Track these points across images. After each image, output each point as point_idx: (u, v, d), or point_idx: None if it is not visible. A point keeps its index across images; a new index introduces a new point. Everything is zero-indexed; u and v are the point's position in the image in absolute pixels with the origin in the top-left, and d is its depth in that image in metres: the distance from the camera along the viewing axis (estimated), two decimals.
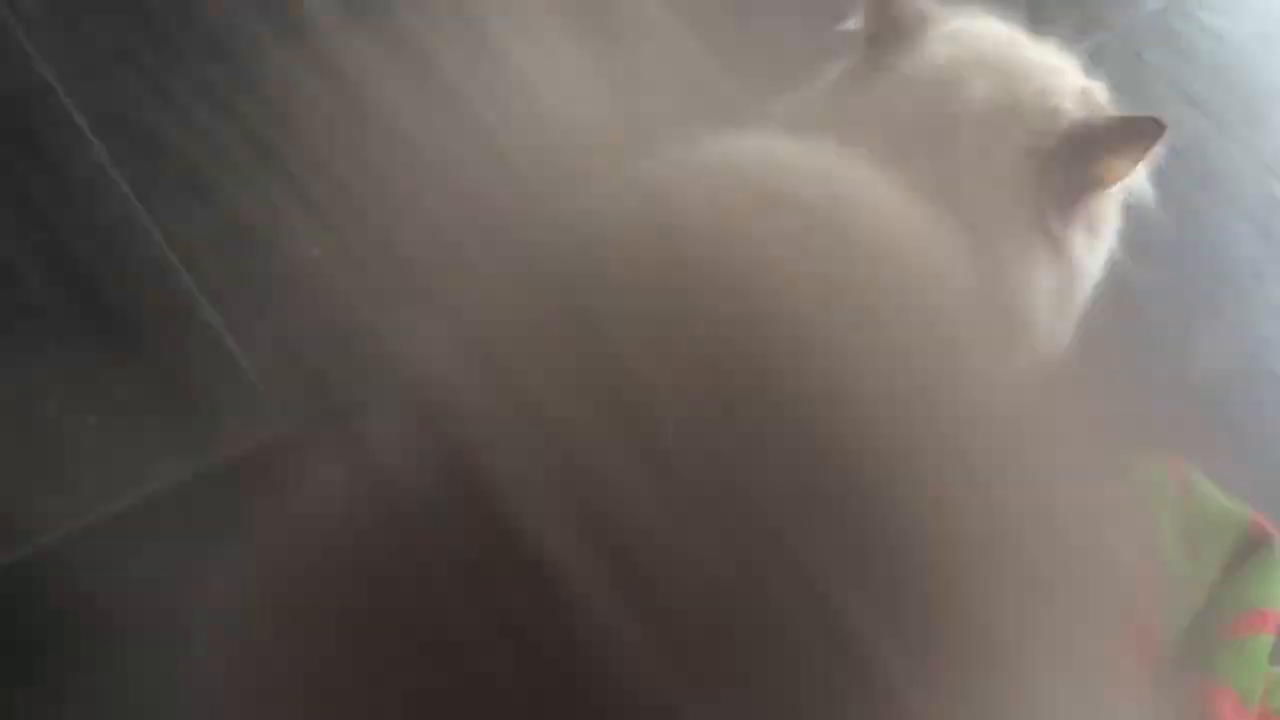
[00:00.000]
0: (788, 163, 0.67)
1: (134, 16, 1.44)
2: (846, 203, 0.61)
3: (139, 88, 1.37)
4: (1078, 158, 0.79)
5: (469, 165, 0.45)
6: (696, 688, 0.38)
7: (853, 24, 0.86)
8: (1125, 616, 0.51)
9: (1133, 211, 0.94)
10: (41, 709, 0.98)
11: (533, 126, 0.47)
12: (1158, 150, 0.83)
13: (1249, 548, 0.50)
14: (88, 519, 1.06)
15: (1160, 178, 0.91)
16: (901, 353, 0.46)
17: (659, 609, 0.38)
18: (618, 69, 0.45)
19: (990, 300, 0.73)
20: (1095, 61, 0.98)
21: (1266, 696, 0.46)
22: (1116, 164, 0.80)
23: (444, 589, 0.42)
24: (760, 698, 0.38)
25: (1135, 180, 0.87)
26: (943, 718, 0.39)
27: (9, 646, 0.99)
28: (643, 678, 0.37)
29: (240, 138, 1.36)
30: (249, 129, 1.37)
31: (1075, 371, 0.89)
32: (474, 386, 0.47)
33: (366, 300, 1.18)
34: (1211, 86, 1.67)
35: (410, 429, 0.49)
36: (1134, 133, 0.80)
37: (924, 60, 0.82)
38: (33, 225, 1.24)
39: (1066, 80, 0.84)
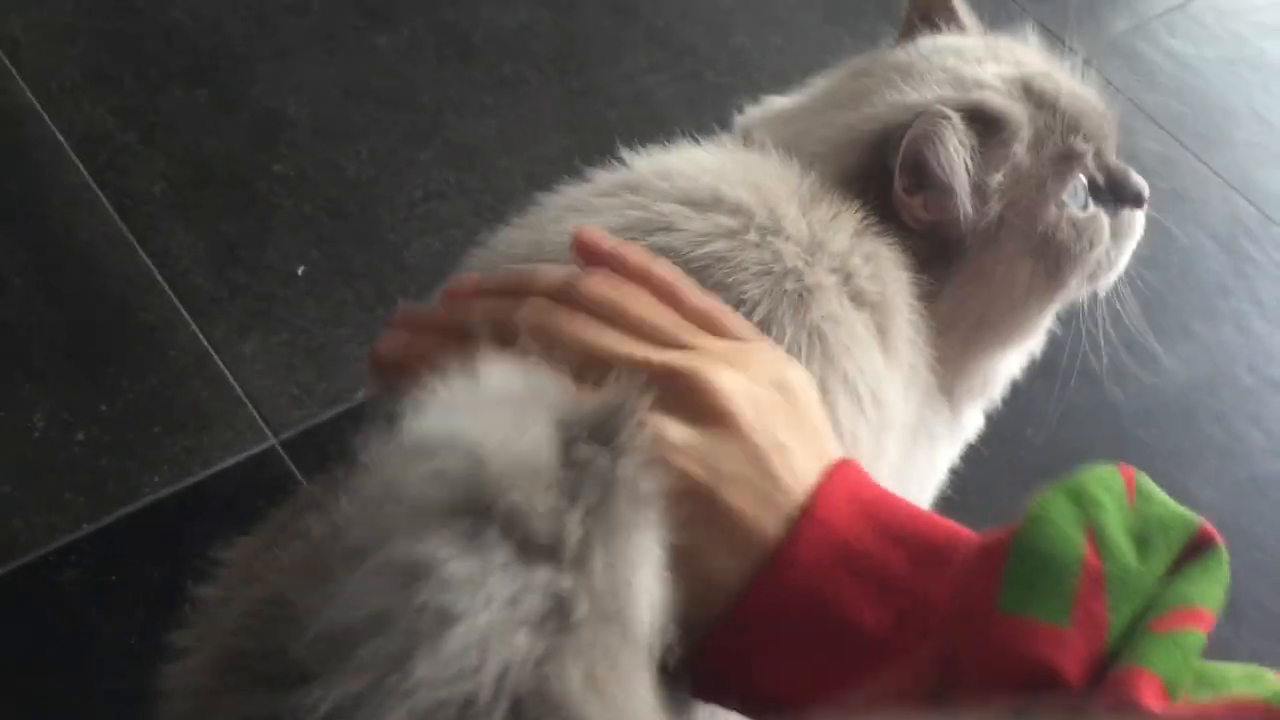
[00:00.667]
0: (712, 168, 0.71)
1: (118, 39, 1.45)
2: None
3: (122, 109, 1.38)
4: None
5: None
6: None
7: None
8: None
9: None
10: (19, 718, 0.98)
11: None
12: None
13: (1193, 549, 0.51)
14: (75, 534, 1.06)
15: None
16: None
17: None
18: None
19: None
20: None
21: (1192, 688, 0.47)
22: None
23: None
24: None
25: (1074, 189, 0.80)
26: None
27: None
28: None
29: (223, 158, 1.38)
30: (231, 150, 1.39)
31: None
32: None
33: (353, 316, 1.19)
34: (1176, 107, 1.71)
35: None
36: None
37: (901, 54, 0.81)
38: (18, 243, 1.25)
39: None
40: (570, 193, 0.73)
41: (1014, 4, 0.94)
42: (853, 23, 1.60)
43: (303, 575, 0.48)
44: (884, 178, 0.72)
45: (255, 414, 1.16)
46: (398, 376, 0.60)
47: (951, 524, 0.57)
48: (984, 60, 0.80)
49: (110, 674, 1.00)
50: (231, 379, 1.18)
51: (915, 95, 0.75)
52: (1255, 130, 1.72)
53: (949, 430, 0.81)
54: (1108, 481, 0.54)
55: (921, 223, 0.73)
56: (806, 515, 0.54)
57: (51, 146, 1.33)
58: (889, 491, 0.58)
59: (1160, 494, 0.55)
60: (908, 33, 0.85)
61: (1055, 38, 0.92)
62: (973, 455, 0.88)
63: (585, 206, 0.70)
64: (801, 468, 0.56)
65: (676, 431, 0.54)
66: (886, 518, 0.55)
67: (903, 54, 0.81)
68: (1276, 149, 1.70)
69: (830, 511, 0.54)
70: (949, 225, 0.73)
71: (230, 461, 1.13)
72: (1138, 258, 0.92)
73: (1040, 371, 0.93)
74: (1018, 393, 0.91)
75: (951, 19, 0.85)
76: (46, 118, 1.36)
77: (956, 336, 0.76)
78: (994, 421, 0.91)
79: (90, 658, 1.01)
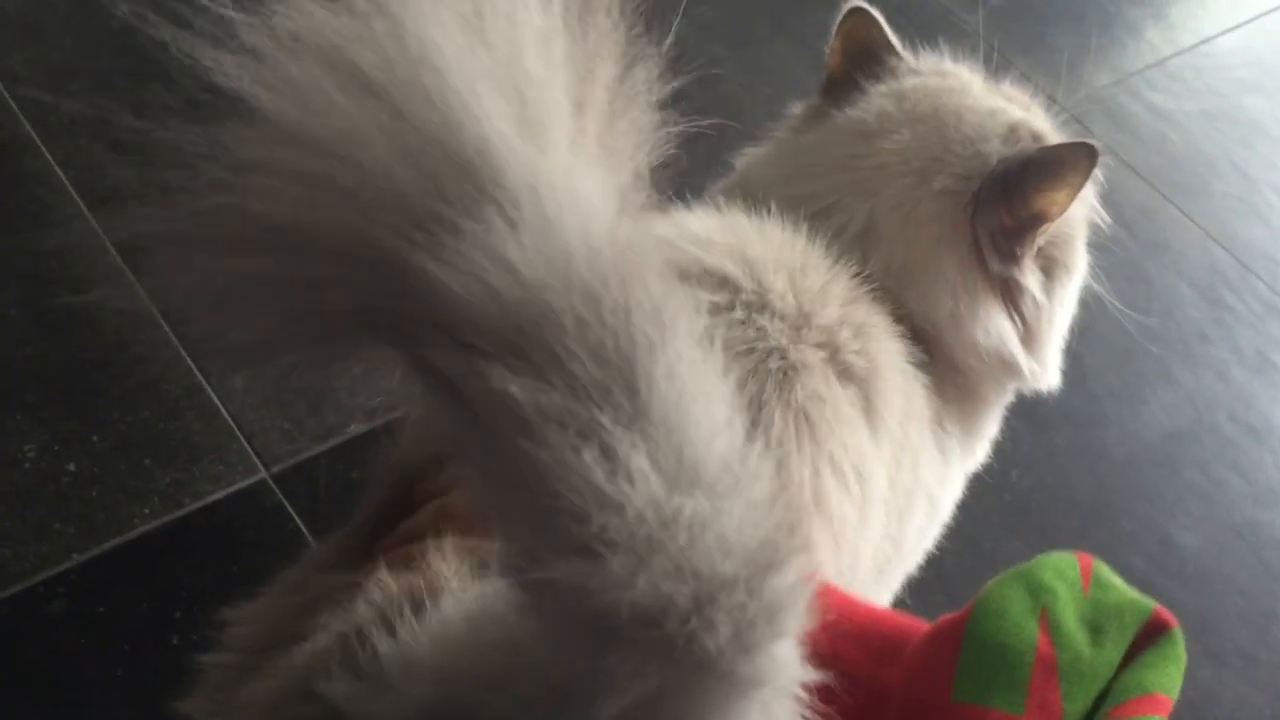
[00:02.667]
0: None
1: (117, 76, 1.46)
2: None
3: (120, 144, 1.39)
4: (1007, 196, 0.76)
5: None
6: None
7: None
8: None
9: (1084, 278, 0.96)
10: None
11: None
12: (1097, 175, 0.80)
13: (1149, 634, 0.52)
14: (64, 565, 1.06)
15: (1108, 246, 0.94)
16: None
17: None
18: None
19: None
20: None
21: None
22: (1057, 197, 0.77)
23: None
24: None
25: (1085, 211, 0.84)
26: None
27: None
28: None
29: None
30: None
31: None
32: None
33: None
34: (1156, 160, 1.74)
35: None
36: (1062, 161, 0.76)
37: (857, 113, 0.82)
38: (14, 275, 1.26)
39: (997, 120, 0.81)
40: None
41: (999, 57, 0.97)
42: None
43: None
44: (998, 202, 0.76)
45: (247, 447, 1.17)
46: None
47: (901, 615, 0.58)
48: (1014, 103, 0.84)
49: (96, 705, 1.00)
50: (224, 412, 1.19)
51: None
52: (1234, 183, 1.75)
53: (962, 461, 0.83)
54: (1063, 569, 0.55)
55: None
56: None
57: (49, 180, 1.34)
58: (841, 593, 0.59)
59: (1117, 581, 0.56)
60: (844, 65, 0.86)
61: (1039, 90, 0.94)
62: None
63: None
64: None
65: None
66: (838, 615, 0.56)
67: (925, 101, 0.82)
68: (1254, 201, 1.74)
69: None
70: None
71: (221, 494, 1.14)
72: (1119, 305, 0.93)
73: (1024, 415, 0.94)
74: (1002, 436, 0.92)
75: (885, 45, 0.86)
76: (45, 151, 1.37)
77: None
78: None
79: (77, 689, 1.00)
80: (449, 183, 0.39)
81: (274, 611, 0.60)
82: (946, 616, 0.54)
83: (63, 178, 1.35)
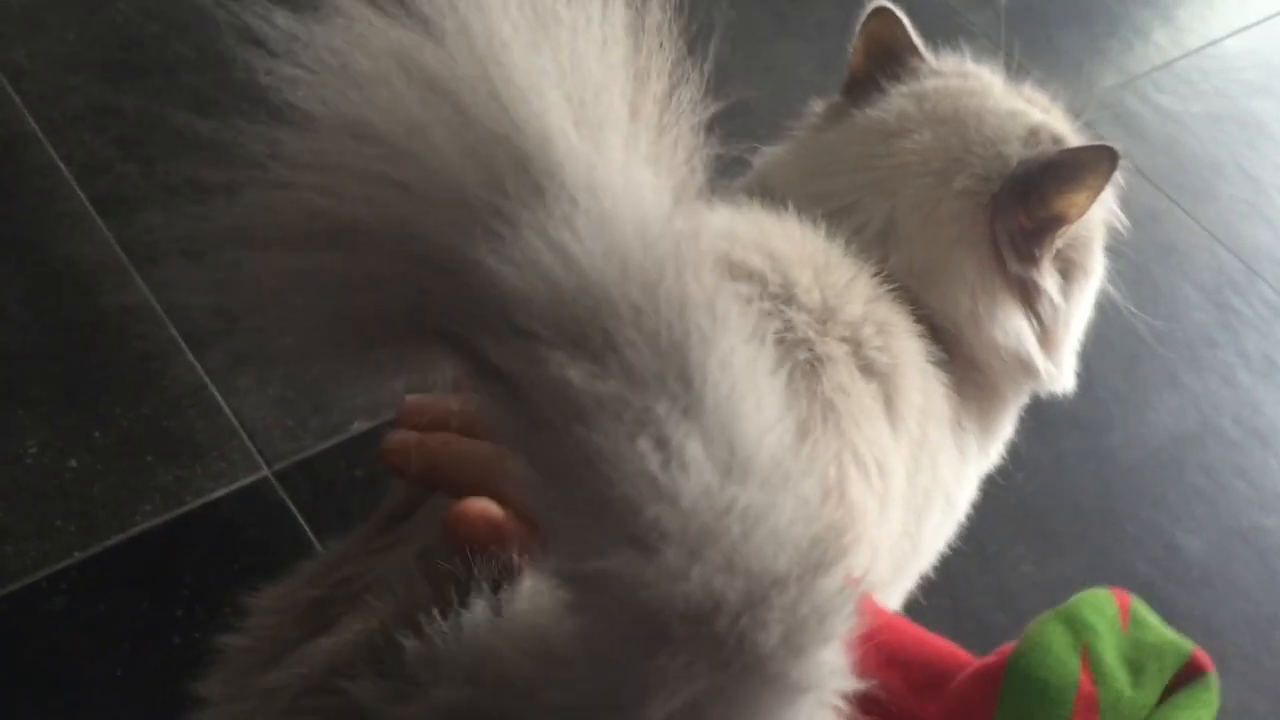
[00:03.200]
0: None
1: (120, 70, 1.46)
2: None
3: (124, 139, 1.39)
4: (1028, 198, 0.77)
5: None
6: None
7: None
8: None
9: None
10: None
11: None
12: (1118, 179, 0.80)
13: (1185, 676, 0.52)
14: (65, 562, 1.06)
15: (1116, 249, 0.93)
16: None
17: None
18: None
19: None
20: None
21: None
22: (1077, 199, 0.77)
23: None
24: None
25: (1103, 214, 0.84)
26: None
27: None
28: None
29: (223, 189, 1.38)
30: (232, 181, 1.39)
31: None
32: None
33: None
34: (1163, 162, 1.74)
35: None
36: (1082, 164, 0.77)
37: (878, 113, 0.82)
38: (16, 270, 1.25)
39: (1018, 122, 0.81)
40: None
41: (1006, 57, 0.96)
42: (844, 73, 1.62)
43: None
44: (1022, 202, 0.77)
45: (249, 444, 1.17)
46: (407, 472, 0.59)
47: (950, 646, 0.57)
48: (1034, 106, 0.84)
49: (97, 703, 0.99)
50: (226, 409, 1.19)
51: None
52: (1241, 185, 1.75)
53: (978, 461, 0.83)
54: (1102, 606, 0.55)
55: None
56: None
57: (52, 175, 1.34)
58: (893, 616, 0.58)
59: (1154, 619, 0.56)
60: (866, 65, 0.86)
61: (1046, 92, 0.94)
62: None
63: None
64: None
65: None
66: (886, 639, 0.56)
67: (947, 103, 0.82)
68: (1261, 204, 1.73)
69: None
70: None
71: (222, 491, 1.13)
72: (1124, 309, 0.93)
73: (1030, 419, 0.94)
74: (1009, 439, 0.92)
75: (908, 45, 0.86)
76: (48, 146, 1.36)
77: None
78: None
79: (77, 686, 1.00)
80: (508, 177, 0.40)
81: (295, 600, 0.60)
82: (991, 657, 0.54)
83: (66, 172, 1.35)
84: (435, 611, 0.50)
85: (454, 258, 0.39)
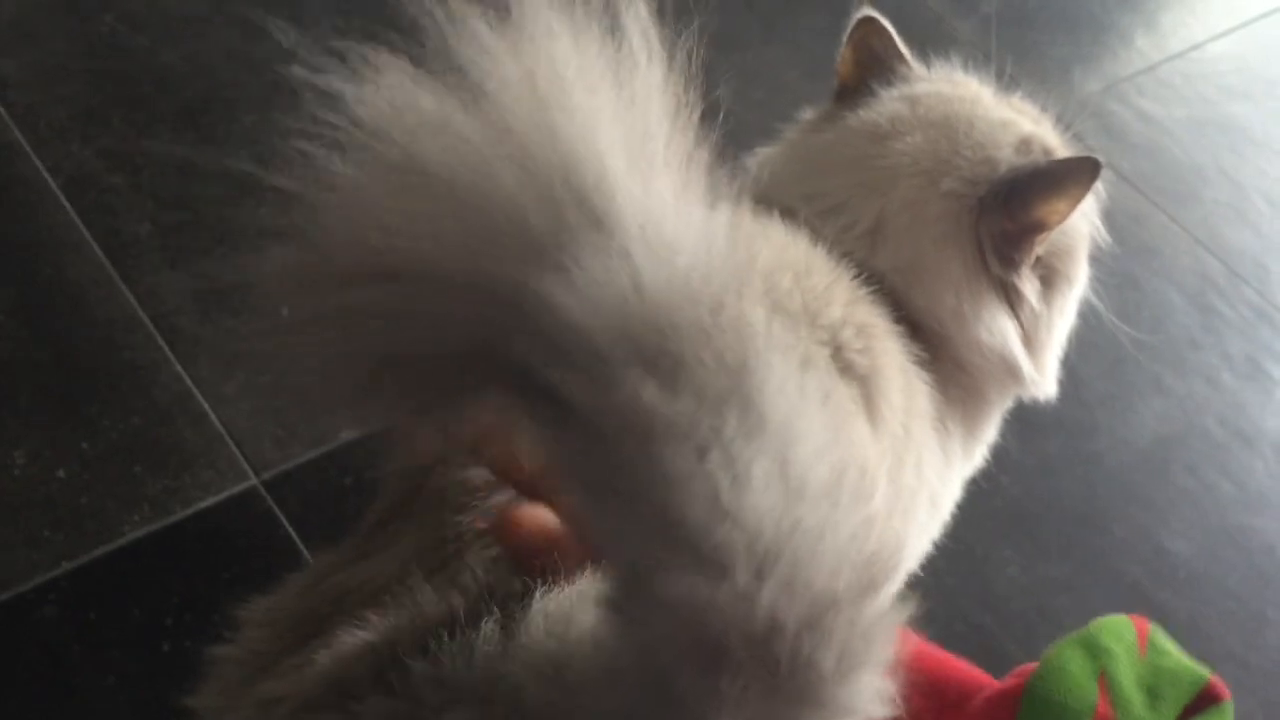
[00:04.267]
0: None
1: (108, 81, 1.46)
2: None
3: (111, 150, 1.39)
4: (1010, 202, 0.79)
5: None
6: None
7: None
8: None
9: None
10: None
11: None
12: (1099, 190, 0.83)
13: (1201, 703, 0.53)
14: (54, 572, 1.06)
15: (1099, 252, 0.95)
16: None
17: None
18: None
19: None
20: None
21: None
22: (1058, 206, 0.79)
23: None
24: None
25: (1087, 225, 0.86)
26: None
27: None
28: None
29: (210, 201, 1.39)
30: (219, 192, 1.40)
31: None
32: None
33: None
34: (1146, 166, 1.75)
35: None
36: (1065, 172, 0.79)
37: (870, 115, 0.84)
38: (3, 281, 1.25)
39: (1010, 131, 0.83)
40: None
41: (988, 63, 0.97)
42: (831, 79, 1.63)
43: None
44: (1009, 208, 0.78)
45: (237, 454, 1.17)
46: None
47: (968, 666, 0.58)
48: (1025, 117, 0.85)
49: (86, 711, 0.99)
50: (214, 419, 1.19)
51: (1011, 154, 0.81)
52: (1223, 189, 1.76)
53: (962, 462, 0.84)
54: (1120, 632, 0.56)
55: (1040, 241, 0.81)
56: None
57: (39, 186, 1.34)
58: (913, 635, 0.59)
59: (1172, 646, 0.56)
60: (856, 73, 0.88)
61: (1029, 97, 0.95)
62: None
63: None
64: None
65: None
66: (909, 660, 0.56)
67: (939, 107, 0.84)
68: (1243, 207, 1.74)
69: None
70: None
71: (211, 501, 1.13)
72: (1109, 311, 0.94)
73: (1016, 422, 0.95)
74: (994, 442, 0.93)
75: (895, 54, 0.88)
76: (35, 157, 1.37)
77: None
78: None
79: (67, 696, 1.00)
80: (570, 212, 0.41)
81: (288, 610, 0.60)
82: (1010, 680, 0.54)
83: (52, 183, 1.35)
84: (443, 628, 0.49)
85: (520, 290, 0.40)
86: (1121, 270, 1.56)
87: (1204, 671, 0.54)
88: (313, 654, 0.54)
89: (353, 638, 0.53)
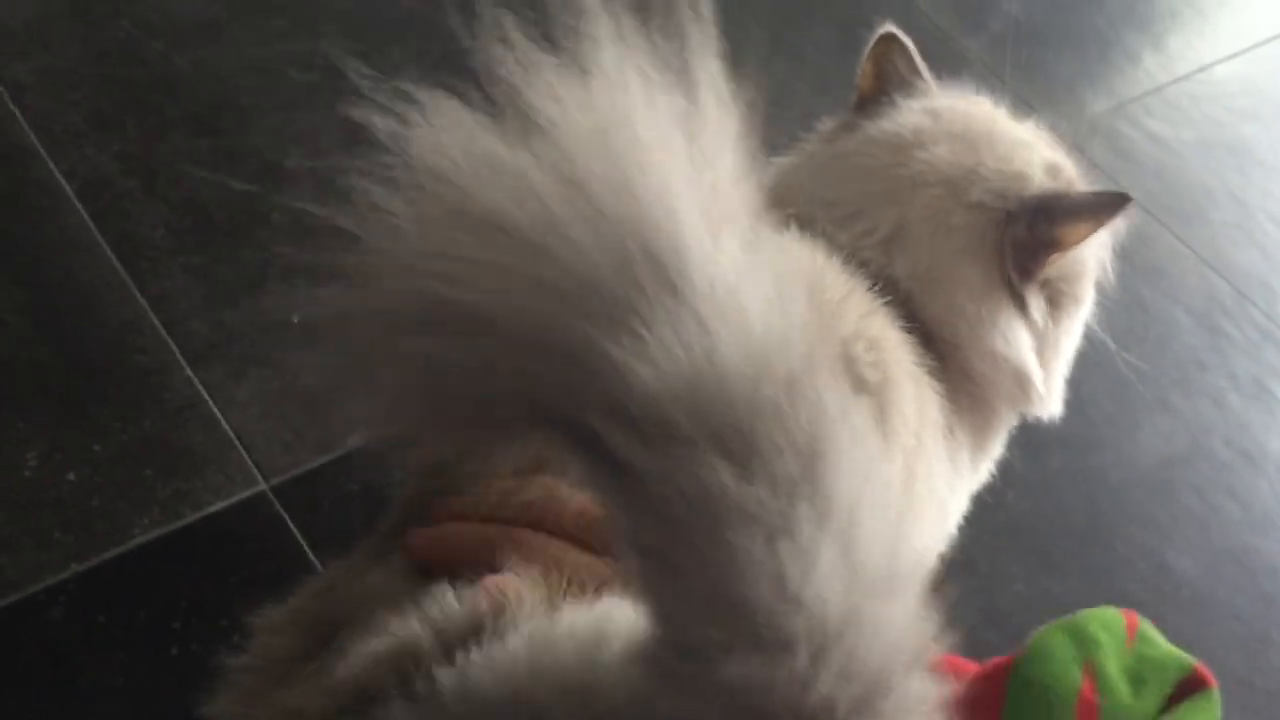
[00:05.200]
0: None
1: (122, 86, 1.47)
2: None
3: (125, 155, 1.40)
4: (1038, 219, 0.80)
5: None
6: None
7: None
8: None
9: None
10: None
11: None
12: (1120, 223, 0.85)
13: (1187, 689, 0.53)
14: (63, 574, 1.06)
15: (1107, 273, 0.95)
16: None
17: None
18: None
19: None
20: None
21: None
22: (1078, 228, 0.81)
23: None
24: None
25: (1097, 251, 0.88)
26: None
27: None
28: None
29: (223, 206, 1.40)
30: (231, 198, 1.41)
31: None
32: None
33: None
34: (1154, 186, 1.75)
35: None
36: (1100, 204, 0.82)
37: (894, 124, 0.85)
38: (17, 283, 1.26)
39: (1035, 153, 0.85)
40: None
41: (996, 80, 0.97)
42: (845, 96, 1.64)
43: None
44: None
45: (247, 459, 1.17)
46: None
47: (951, 656, 0.58)
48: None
49: (93, 714, 1.00)
50: (224, 423, 1.19)
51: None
52: (1230, 210, 1.77)
53: (969, 475, 0.84)
54: (1108, 622, 0.56)
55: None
56: None
57: (53, 190, 1.35)
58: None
59: (1160, 639, 0.57)
60: (876, 86, 0.89)
61: (1038, 115, 0.95)
62: None
63: None
64: None
65: None
66: None
67: (960, 121, 0.85)
68: (1251, 229, 1.75)
69: None
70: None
71: (220, 505, 1.14)
72: (1118, 330, 0.95)
73: (1021, 439, 0.95)
74: (1000, 457, 0.93)
75: (913, 70, 0.89)
76: (49, 161, 1.37)
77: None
78: None
79: (74, 698, 1.00)
80: (643, 274, 0.39)
81: (302, 618, 0.60)
82: (995, 660, 0.55)
83: (66, 187, 1.35)
84: (469, 638, 0.49)
85: (588, 352, 0.39)
86: (1129, 290, 1.57)
87: (1189, 659, 0.55)
88: (330, 662, 0.54)
89: (372, 645, 0.53)
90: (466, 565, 0.54)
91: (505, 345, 0.41)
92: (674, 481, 0.38)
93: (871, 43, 0.89)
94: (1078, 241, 0.82)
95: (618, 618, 0.49)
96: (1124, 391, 1.48)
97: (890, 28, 0.89)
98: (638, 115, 0.42)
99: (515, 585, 0.53)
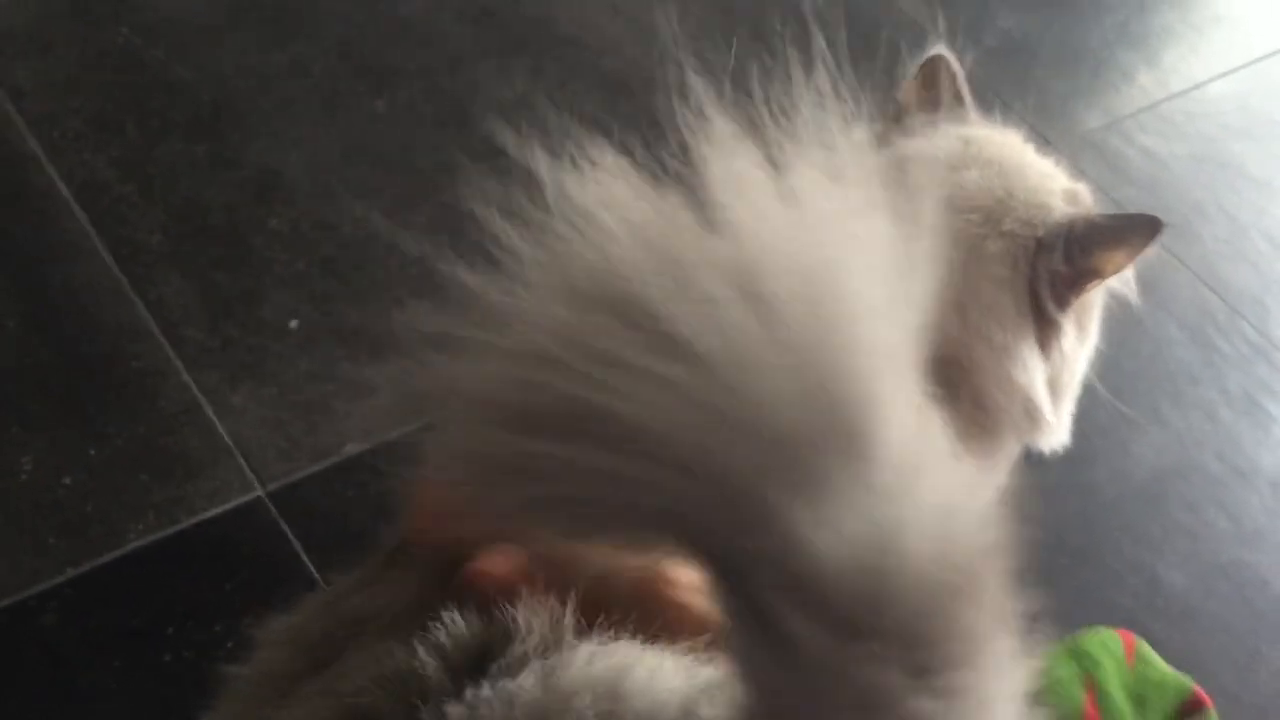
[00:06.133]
0: None
1: (121, 91, 1.47)
2: None
3: (123, 160, 1.40)
4: (1069, 248, 0.81)
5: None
6: None
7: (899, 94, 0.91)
8: None
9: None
10: None
11: None
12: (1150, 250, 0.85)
13: (1187, 710, 0.54)
14: (57, 579, 1.06)
15: (1127, 297, 0.97)
16: None
17: None
18: None
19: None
20: None
21: None
22: (1116, 257, 0.82)
23: None
24: None
25: (1124, 277, 0.89)
26: None
27: None
28: None
29: (221, 212, 1.40)
30: (229, 204, 1.41)
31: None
32: None
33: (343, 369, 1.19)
34: (1147, 202, 1.76)
35: None
36: (1130, 228, 0.82)
37: (930, 145, 0.86)
38: (14, 287, 1.26)
39: (1057, 182, 0.87)
40: None
41: (992, 96, 0.98)
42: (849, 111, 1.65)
43: None
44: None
45: (243, 465, 1.17)
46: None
47: None
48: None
49: (86, 719, 1.00)
50: (220, 429, 1.19)
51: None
52: (1222, 227, 1.78)
53: None
54: (1108, 644, 0.56)
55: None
56: None
57: (51, 194, 1.35)
58: None
59: (1157, 659, 0.57)
60: (916, 100, 0.90)
61: (1032, 131, 0.96)
62: None
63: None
64: None
65: None
66: None
67: (990, 147, 0.86)
68: (1243, 245, 1.76)
69: None
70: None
71: (216, 511, 1.14)
72: (1111, 344, 0.96)
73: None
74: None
75: (957, 94, 0.90)
76: (48, 165, 1.37)
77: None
78: None
79: (68, 703, 1.00)
80: (833, 429, 0.35)
81: (305, 631, 0.58)
82: None
83: (65, 192, 1.36)
84: (478, 672, 0.47)
85: (764, 509, 0.35)
86: (1123, 304, 1.58)
87: (1188, 682, 0.56)
88: (333, 680, 0.53)
89: (376, 669, 0.51)
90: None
91: (663, 473, 0.36)
92: (844, 675, 0.35)
93: (922, 60, 0.91)
94: (1117, 269, 0.83)
95: (638, 674, 0.46)
96: (1116, 406, 1.49)
97: (942, 49, 0.90)
98: (843, 233, 0.37)
99: (504, 570, 0.50)
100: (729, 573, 0.37)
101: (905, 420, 0.37)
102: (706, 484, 0.35)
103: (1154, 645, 1.11)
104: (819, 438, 0.35)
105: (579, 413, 0.36)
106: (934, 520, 0.36)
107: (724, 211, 0.37)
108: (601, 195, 0.37)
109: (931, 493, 0.37)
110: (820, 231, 0.37)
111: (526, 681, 0.46)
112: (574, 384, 0.36)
